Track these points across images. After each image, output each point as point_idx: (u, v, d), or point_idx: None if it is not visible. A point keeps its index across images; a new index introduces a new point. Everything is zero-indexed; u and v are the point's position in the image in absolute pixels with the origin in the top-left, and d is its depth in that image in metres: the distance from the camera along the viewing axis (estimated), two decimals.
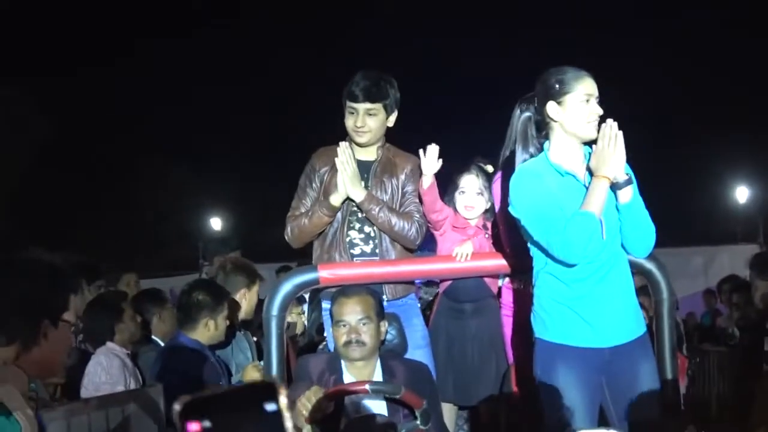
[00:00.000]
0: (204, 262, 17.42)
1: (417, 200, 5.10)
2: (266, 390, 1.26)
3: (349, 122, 5.05)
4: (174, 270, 18.01)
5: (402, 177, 5.12)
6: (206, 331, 5.29)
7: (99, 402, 3.90)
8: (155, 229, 29.09)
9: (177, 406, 1.23)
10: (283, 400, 1.26)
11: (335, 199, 4.92)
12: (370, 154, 5.15)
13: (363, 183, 5.06)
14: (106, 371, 5.35)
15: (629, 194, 4.07)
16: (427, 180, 4.97)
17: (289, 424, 1.25)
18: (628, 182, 4.06)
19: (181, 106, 32.17)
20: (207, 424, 1.22)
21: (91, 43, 32.47)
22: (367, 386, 4.16)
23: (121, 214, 29.33)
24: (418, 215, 5.07)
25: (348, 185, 4.87)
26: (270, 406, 1.25)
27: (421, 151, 4.97)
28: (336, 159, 4.92)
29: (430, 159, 4.95)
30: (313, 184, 5.15)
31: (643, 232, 4.17)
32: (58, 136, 28.27)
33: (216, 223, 28.24)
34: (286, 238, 5.19)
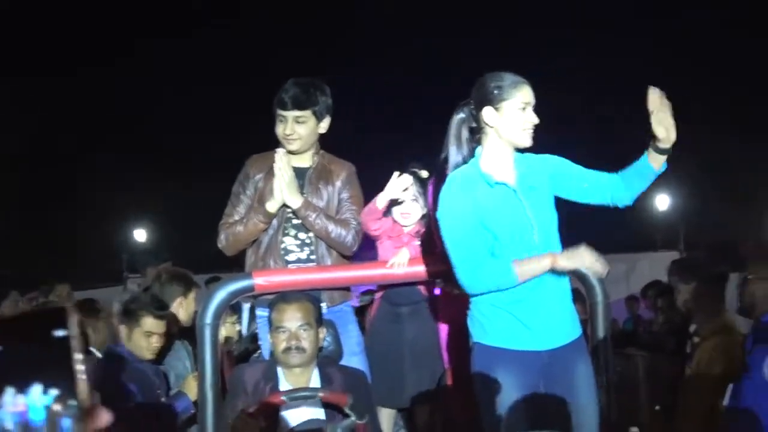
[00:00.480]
0: (128, 274, 17.39)
1: (353, 207, 5.09)
2: (56, 316, 1.20)
3: (279, 130, 5.00)
4: (99, 282, 17.76)
5: (338, 183, 5.10)
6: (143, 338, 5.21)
7: None
8: (78, 242, 28.60)
9: None
10: (72, 326, 1.21)
11: (271, 206, 4.87)
12: (304, 161, 5.11)
13: (300, 186, 5.03)
14: None
15: (661, 163, 4.12)
16: (383, 200, 4.96)
17: (77, 349, 1.21)
18: (668, 152, 4.10)
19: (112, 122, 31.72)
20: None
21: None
22: (283, 397, 4.12)
23: (43, 228, 28.84)
24: (354, 222, 5.05)
25: (285, 192, 4.83)
26: (59, 332, 1.19)
27: (396, 173, 4.99)
28: (273, 165, 4.88)
29: (398, 187, 4.95)
30: (247, 191, 5.09)
31: (639, 192, 4.23)
32: None
33: (140, 235, 28.01)
34: (219, 245, 5.11)
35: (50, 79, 29.46)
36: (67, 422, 1.17)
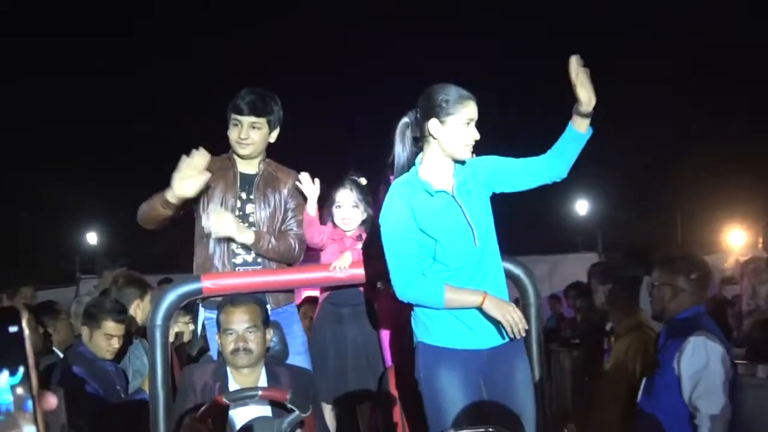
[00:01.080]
0: (81, 275, 17.12)
1: (299, 217, 5.04)
2: (10, 314, 1.23)
3: (233, 134, 4.92)
4: (53, 283, 17.51)
5: (285, 192, 5.03)
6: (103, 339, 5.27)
7: None
8: (30, 245, 28.10)
9: None
10: (24, 323, 1.23)
11: (170, 196, 4.64)
12: (252, 168, 5.02)
13: (245, 196, 4.96)
14: None
15: (586, 126, 4.13)
16: (312, 206, 4.98)
17: (29, 344, 1.23)
18: (590, 116, 4.11)
19: (61, 124, 31.00)
20: None
21: None
22: (224, 398, 3.98)
23: None
24: (299, 230, 5.01)
25: (235, 233, 4.73)
26: (13, 328, 1.22)
27: (304, 175, 4.98)
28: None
29: (307, 185, 4.97)
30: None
31: (572, 160, 4.22)
32: None
33: (92, 238, 27.74)
34: (139, 212, 4.95)
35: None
36: (29, 403, 1.20)
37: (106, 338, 5.26)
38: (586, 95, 4.02)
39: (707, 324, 4.76)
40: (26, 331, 1.24)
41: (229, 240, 4.84)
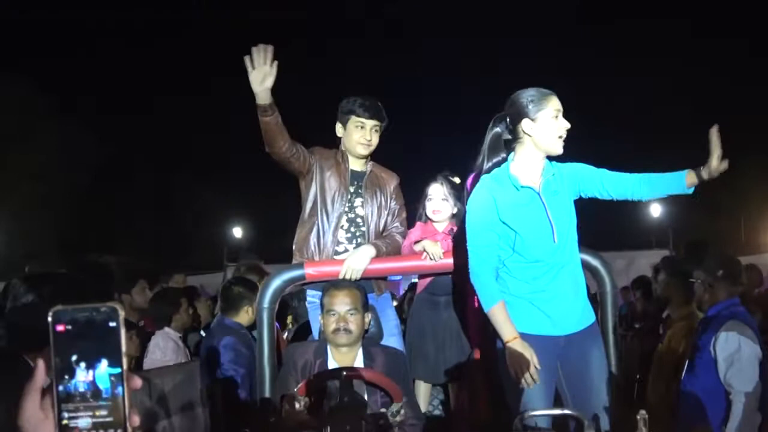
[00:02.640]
0: (227, 263, 17.29)
1: (402, 215, 4.83)
2: (111, 311, 1.23)
3: (356, 135, 4.60)
4: (205, 269, 17.78)
5: (389, 191, 4.76)
6: (246, 315, 5.35)
7: (155, 373, 4.00)
8: (185, 238, 28.51)
9: (50, 314, 1.21)
10: (121, 319, 1.23)
11: (259, 100, 4.26)
12: (360, 166, 4.72)
13: (353, 190, 4.67)
14: (162, 351, 5.56)
15: (693, 185, 3.84)
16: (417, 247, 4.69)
17: (123, 337, 1.23)
18: (703, 181, 3.83)
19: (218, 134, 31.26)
20: (69, 327, 1.21)
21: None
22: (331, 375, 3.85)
23: (158, 224, 28.79)
24: (403, 228, 4.79)
25: (366, 262, 4.45)
26: (112, 324, 1.22)
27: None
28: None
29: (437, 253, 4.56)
30: (306, 157, 4.62)
31: (659, 196, 4.03)
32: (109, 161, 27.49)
33: (237, 232, 28.17)
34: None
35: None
36: (120, 388, 1.21)
37: (246, 313, 5.37)
38: (716, 166, 3.73)
39: (740, 315, 4.73)
40: (122, 327, 1.23)
41: (338, 227, 4.60)
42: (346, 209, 4.62)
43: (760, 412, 4.57)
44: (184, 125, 31.58)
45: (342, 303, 4.03)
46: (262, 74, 4.16)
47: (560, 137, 3.74)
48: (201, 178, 29.04)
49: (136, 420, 1.21)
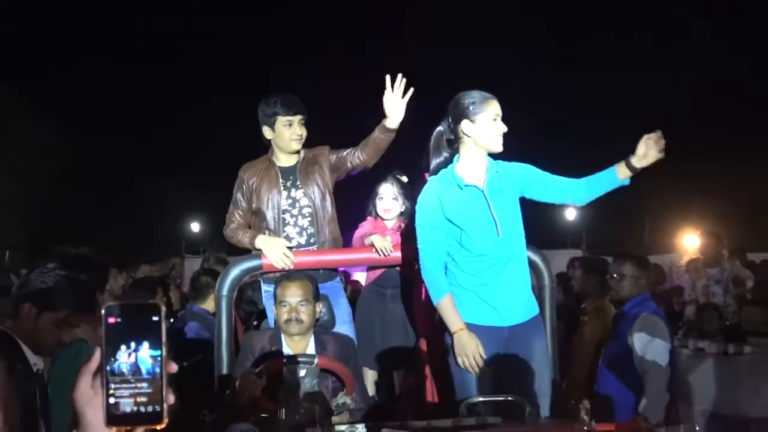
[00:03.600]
0: (185, 254, 17.01)
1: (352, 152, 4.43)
2: (153, 307, 1.29)
3: (287, 133, 4.29)
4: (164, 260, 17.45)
5: (325, 163, 4.40)
6: (213, 302, 4.93)
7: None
8: (147, 231, 27.87)
9: (103, 308, 1.28)
10: (162, 313, 1.29)
11: (256, 243, 4.25)
12: (291, 160, 4.41)
13: (290, 185, 4.37)
14: None
15: (627, 176, 3.65)
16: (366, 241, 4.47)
17: (164, 327, 1.29)
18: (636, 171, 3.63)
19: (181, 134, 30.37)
20: (119, 320, 1.27)
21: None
22: (284, 361, 3.74)
23: (121, 219, 28.09)
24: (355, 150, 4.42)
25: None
26: (155, 318, 1.28)
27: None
28: (262, 168, 4.36)
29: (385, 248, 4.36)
30: (244, 195, 4.40)
31: (598, 196, 3.76)
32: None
33: (195, 226, 27.88)
34: (224, 232, 4.48)
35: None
36: (159, 371, 1.26)
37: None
38: (644, 153, 3.56)
39: (652, 308, 4.90)
40: (163, 320, 1.29)
41: (282, 227, 4.33)
42: (286, 206, 4.34)
43: (668, 392, 4.76)
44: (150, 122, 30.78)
45: (293, 294, 3.84)
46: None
47: (497, 137, 3.59)
48: (162, 176, 28.49)
49: (172, 398, 1.26)
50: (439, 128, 3.74)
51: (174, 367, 1.29)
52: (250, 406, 3.47)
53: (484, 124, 3.54)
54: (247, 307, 5.55)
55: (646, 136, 3.54)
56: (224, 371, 4.07)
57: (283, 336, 3.88)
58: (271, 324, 4.16)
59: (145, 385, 1.25)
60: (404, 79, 4.08)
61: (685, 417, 5.04)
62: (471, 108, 3.55)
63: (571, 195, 3.69)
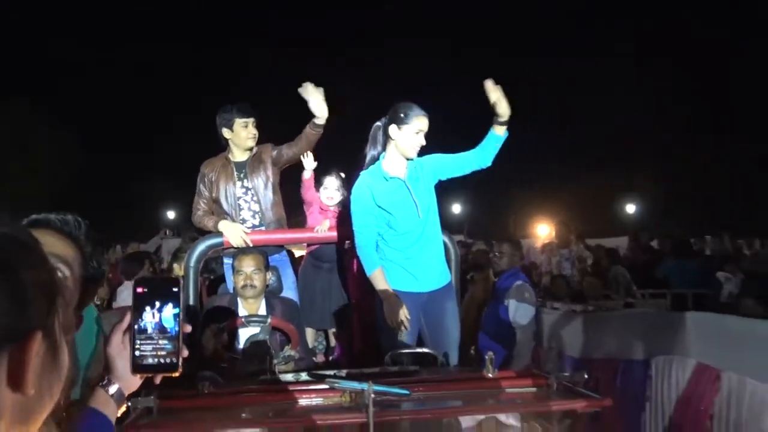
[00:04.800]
0: (163, 236, 16.36)
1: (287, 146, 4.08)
2: (174, 281, 1.23)
3: (244, 133, 3.95)
4: (147, 238, 16.77)
5: (268, 158, 4.03)
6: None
7: (123, 311, 3.25)
8: (133, 217, 26.78)
9: (134, 281, 1.23)
10: (181, 285, 1.23)
11: (218, 227, 3.87)
12: (244, 155, 4.04)
13: (243, 176, 4.02)
14: (130, 295, 4.90)
15: (504, 131, 3.30)
16: (308, 173, 4.26)
17: (182, 296, 1.22)
18: (506, 123, 3.28)
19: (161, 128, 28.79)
20: (146, 290, 1.22)
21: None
22: (242, 319, 3.44)
23: (108, 207, 26.80)
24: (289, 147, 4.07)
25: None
26: (175, 289, 1.22)
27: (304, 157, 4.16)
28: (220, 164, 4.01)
29: (311, 161, 4.18)
30: (206, 187, 4.04)
31: (495, 154, 3.36)
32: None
33: (171, 214, 27.05)
34: (192, 219, 4.11)
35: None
36: (177, 329, 1.20)
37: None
38: (503, 109, 3.21)
39: (522, 277, 5.03)
40: (182, 291, 1.23)
41: (239, 212, 3.98)
42: (241, 194, 4.00)
43: (533, 341, 4.97)
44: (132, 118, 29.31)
45: (248, 265, 3.56)
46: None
47: (413, 149, 3.28)
48: (143, 169, 27.41)
49: (186, 352, 1.21)
50: (378, 123, 3.42)
51: (188, 328, 1.24)
52: (213, 357, 3.19)
53: (407, 134, 3.24)
54: (210, 275, 5.19)
55: (486, 87, 3.21)
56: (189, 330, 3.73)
57: (239, 299, 3.58)
58: (230, 289, 3.83)
59: (165, 342, 1.20)
60: (315, 86, 3.76)
61: (545, 359, 5.01)
62: (402, 117, 3.25)
63: (476, 163, 3.36)
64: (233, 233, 3.78)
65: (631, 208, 28.44)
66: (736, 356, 2.94)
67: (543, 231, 16.63)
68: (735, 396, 2.86)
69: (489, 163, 3.36)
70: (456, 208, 26.13)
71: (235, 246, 3.73)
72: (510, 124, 3.27)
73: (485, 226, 22.34)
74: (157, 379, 1.23)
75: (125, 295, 5.31)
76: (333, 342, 4.29)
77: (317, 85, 3.75)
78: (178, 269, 4.92)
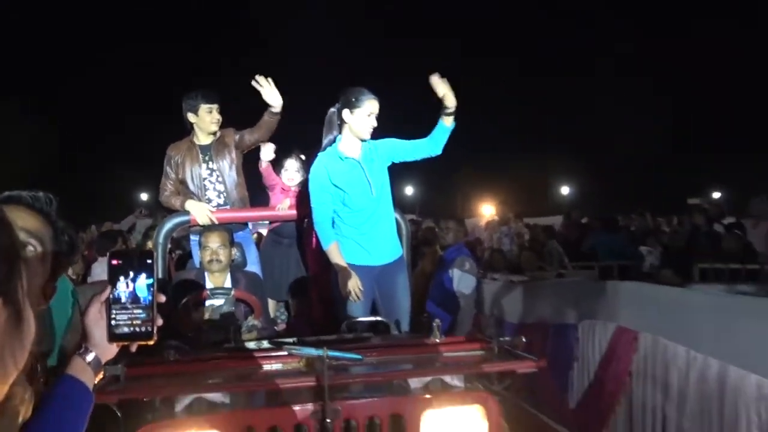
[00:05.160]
0: (138, 214, 15.93)
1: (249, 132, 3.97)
2: (148, 253, 1.19)
3: (208, 118, 3.83)
4: (120, 218, 16.24)
5: (232, 142, 3.92)
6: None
7: (100, 285, 3.16)
8: (109, 199, 25.99)
9: (109, 253, 1.19)
10: (154, 257, 1.19)
11: (186, 205, 3.75)
12: (208, 139, 3.93)
13: (208, 158, 3.91)
14: (103, 270, 5.01)
15: (451, 121, 3.21)
16: (263, 163, 4.14)
17: (155, 268, 1.18)
18: (453, 113, 3.19)
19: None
20: (121, 262, 1.17)
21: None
22: (207, 292, 3.37)
23: (85, 190, 25.95)
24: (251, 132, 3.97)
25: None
26: (149, 261, 1.18)
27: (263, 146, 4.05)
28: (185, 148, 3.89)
29: (268, 152, 4.07)
30: (173, 169, 3.92)
31: (444, 143, 3.27)
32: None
33: (144, 195, 26.38)
34: (160, 199, 3.97)
35: None
36: (150, 299, 1.17)
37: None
38: (450, 101, 3.16)
39: (465, 251, 5.11)
40: (155, 263, 1.19)
41: (204, 192, 3.89)
42: (206, 176, 3.89)
43: (475, 309, 4.98)
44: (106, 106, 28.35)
45: (214, 241, 3.46)
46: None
47: (367, 130, 3.21)
48: (120, 161, 26.57)
49: (160, 321, 1.18)
50: (332, 109, 3.32)
51: (162, 298, 1.20)
52: (180, 327, 3.10)
53: (360, 117, 3.17)
54: (180, 252, 5.10)
55: (432, 82, 3.15)
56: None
57: (206, 273, 3.49)
58: (197, 264, 3.73)
59: (139, 311, 1.17)
60: (266, 78, 3.69)
61: (485, 324, 5.03)
62: (353, 101, 3.16)
63: (427, 150, 3.30)
64: (199, 212, 3.68)
65: (565, 190, 28.98)
66: (652, 319, 3.01)
67: (487, 211, 16.85)
68: (650, 354, 2.94)
69: (439, 151, 3.32)
70: (409, 190, 26.14)
71: (201, 224, 3.65)
72: (457, 114, 3.22)
73: (435, 206, 22.43)
74: (133, 347, 1.19)
75: (99, 271, 5.21)
76: (293, 312, 4.23)
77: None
78: (149, 246, 4.81)
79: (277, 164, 4.23)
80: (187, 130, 3.94)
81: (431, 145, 3.29)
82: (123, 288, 1.16)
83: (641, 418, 2.96)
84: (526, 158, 24.09)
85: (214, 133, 3.92)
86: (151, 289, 1.17)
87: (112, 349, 1.19)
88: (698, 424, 2.60)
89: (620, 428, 3.10)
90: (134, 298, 1.16)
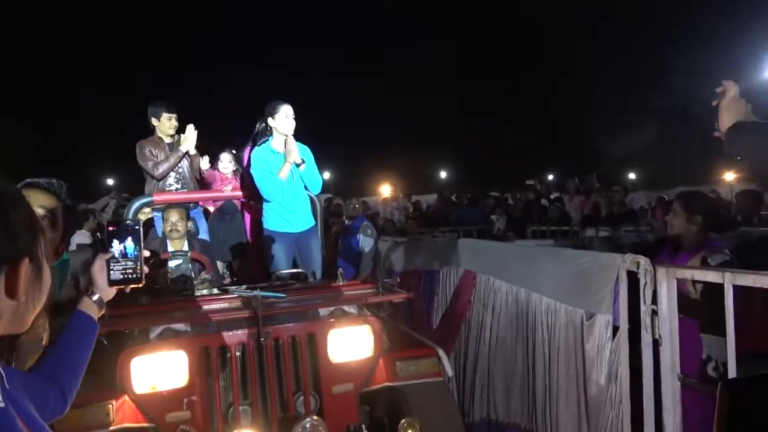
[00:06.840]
0: (109, 197, 14.78)
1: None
2: (138, 222, 1.22)
3: (168, 123, 3.84)
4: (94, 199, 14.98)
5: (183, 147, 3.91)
6: None
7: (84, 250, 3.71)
8: (80, 183, 23.78)
9: (106, 222, 1.22)
10: (141, 224, 1.22)
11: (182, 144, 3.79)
12: (171, 139, 3.93)
13: (171, 151, 3.87)
14: (80, 240, 5.11)
15: (304, 167, 3.32)
16: (204, 172, 4.17)
17: (141, 232, 1.22)
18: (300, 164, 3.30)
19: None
20: (115, 228, 1.20)
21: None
22: (170, 254, 3.39)
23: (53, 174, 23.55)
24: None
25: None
26: (137, 227, 1.21)
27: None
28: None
29: (204, 163, 4.11)
30: (153, 154, 3.86)
31: (314, 183, 3.40)
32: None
33: (111, 180, 24.35)
34: (156, 173, 3.86)
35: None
36: (138, 254, 1.20)
37: None
38: (294, 158, 3.29)
39: (368, 222, 5.12)
40: (140, 228, 1.22)
41: (167, 179, 3.85)
42: (177, 167, 3.88)
43: (373, 262, 4.83)
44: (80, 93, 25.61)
45: (174, 215, 3.49)
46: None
47: (289, 127, 3.29)
48: (85, 139, 24.24)
49: (146, 269, 1.21)
50: (259, 122, 3.44)
51: (147, 253, 1.26)
52: (149, 281, 3.12)
53: (281, 120, 3.28)
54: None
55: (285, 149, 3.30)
56: None
57: (168, 240, 3.50)
58: (159, 234, 3.72)
59: (130, 263, 1.20)
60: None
61: (380, 272, 5.22)
62: (272, 110, 3.28)
63: (309, 188, 3.46)
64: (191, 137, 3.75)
65: (443, 174, 29.85)
66: (485, 264, 3.30)
67: (386, 190, 17.11)
68: (483, 288, 3.26)
69: (317, 191, 3.43)
70: (326, 175, 25.96)
71: (162, 202, 3.63)
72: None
73: (347, 187, 22.43)
74: (128, 289, 1.22)
75: (77, 239, 4.99)
76: (235, 269, 4.28)
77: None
78: None
79: (213, 158, 4.26)
80: (150, 130, 3.89)
81: (310, 188, 3.42)
82: (117, 246, 1.19)
83: (477, 332, 3.27)
84: (414, 150, 24.61)
85: (172, 137, 3.91)
86: (139, 246, 1.20)
87: (111, 291, 1.22)
88: (512, 331, 2.97)
89: (464, 339, 3.41)
90: (125, 254, 1.19)
